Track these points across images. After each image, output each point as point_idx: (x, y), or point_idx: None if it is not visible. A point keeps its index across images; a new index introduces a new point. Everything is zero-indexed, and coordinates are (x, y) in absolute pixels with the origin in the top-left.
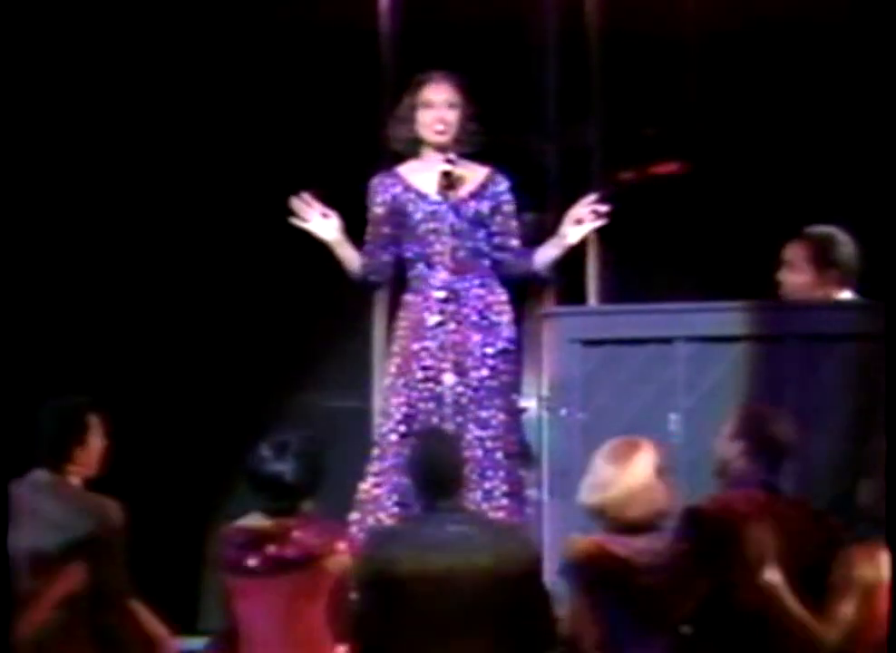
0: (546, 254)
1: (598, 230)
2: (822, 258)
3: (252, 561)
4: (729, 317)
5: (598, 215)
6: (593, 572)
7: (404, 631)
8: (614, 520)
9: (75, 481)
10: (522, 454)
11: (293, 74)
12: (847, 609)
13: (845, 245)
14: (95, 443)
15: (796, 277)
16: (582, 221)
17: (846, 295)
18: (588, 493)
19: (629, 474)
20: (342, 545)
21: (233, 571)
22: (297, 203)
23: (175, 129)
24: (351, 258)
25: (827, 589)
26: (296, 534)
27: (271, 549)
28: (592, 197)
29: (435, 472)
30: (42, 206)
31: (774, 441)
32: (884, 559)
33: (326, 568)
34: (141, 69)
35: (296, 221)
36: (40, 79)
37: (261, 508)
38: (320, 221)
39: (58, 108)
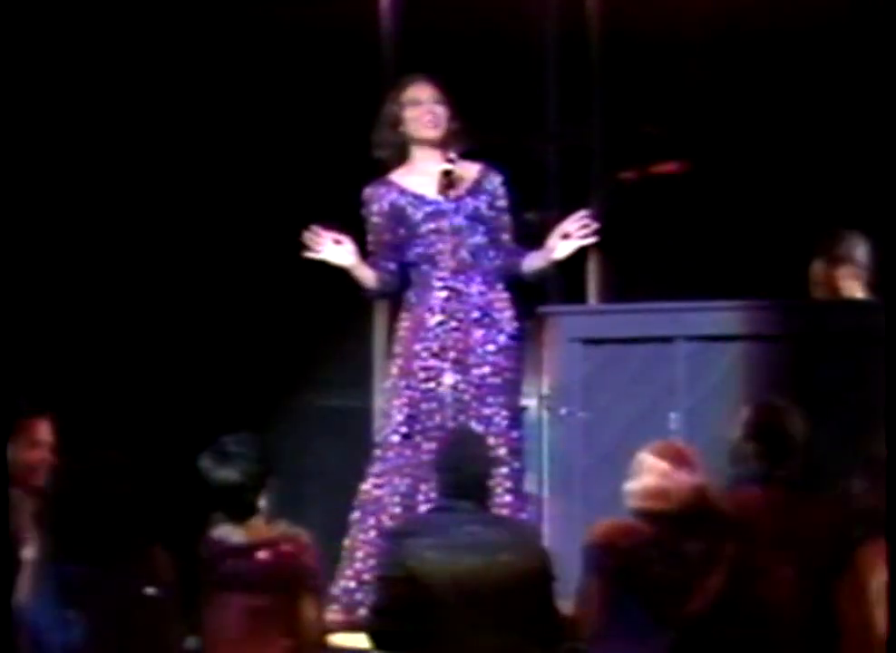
0: (533, 263)
1: (599, 230)
2: (865, 276)
3: (226, 575)
4: (729, 317)
5: (588, 232)
6: (611, 555)
7: (424, 627)
8: (659, 522)
9: (35, 485)
10: (525, 451)
11: (293, 79)
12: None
13: (867, 250)
14: (38, 447)
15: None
16: (570, 237)
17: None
18: (632, 497)
19: (684, 480)
20: (302, 565)
21: (210, 582)
22: (308, 237)
23: (176, 130)
24: (368, 276)
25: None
26: (266, 551)
27: (243, 564)
28: (582, 213)
29: (464, 473)
30: (42, 216)
31: (787, 437)
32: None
33: (289, 583)
34: (139, 74)
35: (309, 254)
36: (39, 95)
37: (223, 515)
38: (334, 249)
39: (53, 116)
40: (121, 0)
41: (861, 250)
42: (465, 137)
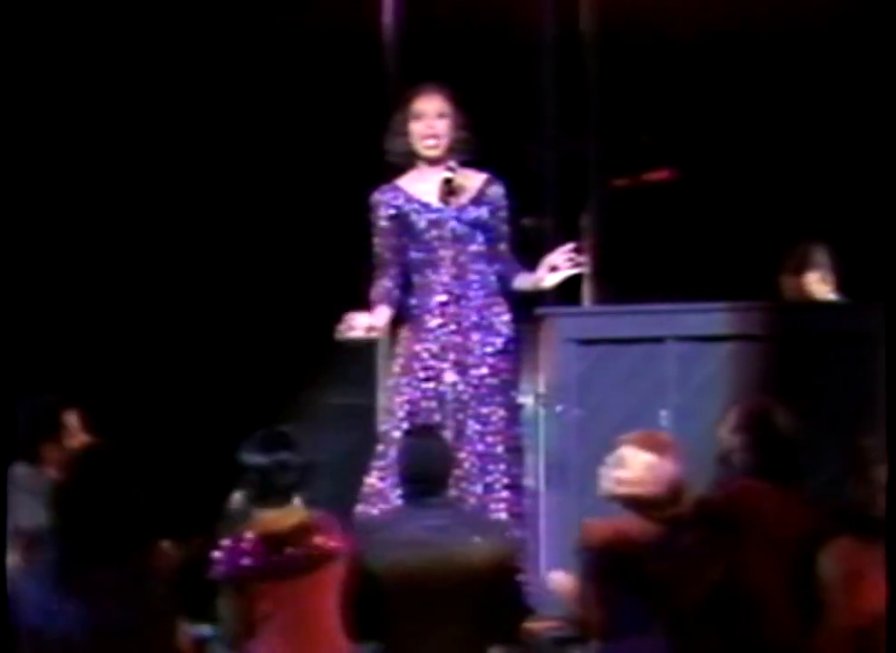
0: (523, 284)
1: (597, 233)
2: (827, 276)
3: (270, 564)
4: (718, 318)
5: (575, 264)
6: (608, 557)
7: (387, 618)
8: (647, 509)
9: (53, 474)
10: (522, 448)
11: (296, 81)
12: (841, 604)
13: (830, 255)
14: (71, 441)
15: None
16: (558, 269)
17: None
18: (622, 485)
19: (669, 466)
20: (342, 542)
21: (252, 577)
22: (342, 328)
23: (181, 130)
24: (388, 316)
25: (818, 582)
26: (312, 535)
27: (288, 551)
28: (569, 246)
29: (424, 469)
30: (44, 210)
31: (774, 435)
32: (860, 553)
33: (337, 565)
34: (143, 76)
35: (342, 337)
36: (41, 86)
37: (260, 503)
38: (365, 333)
39: (58, 112)
40: (126, 2)
41: (824, 258)
42: (470, 146)
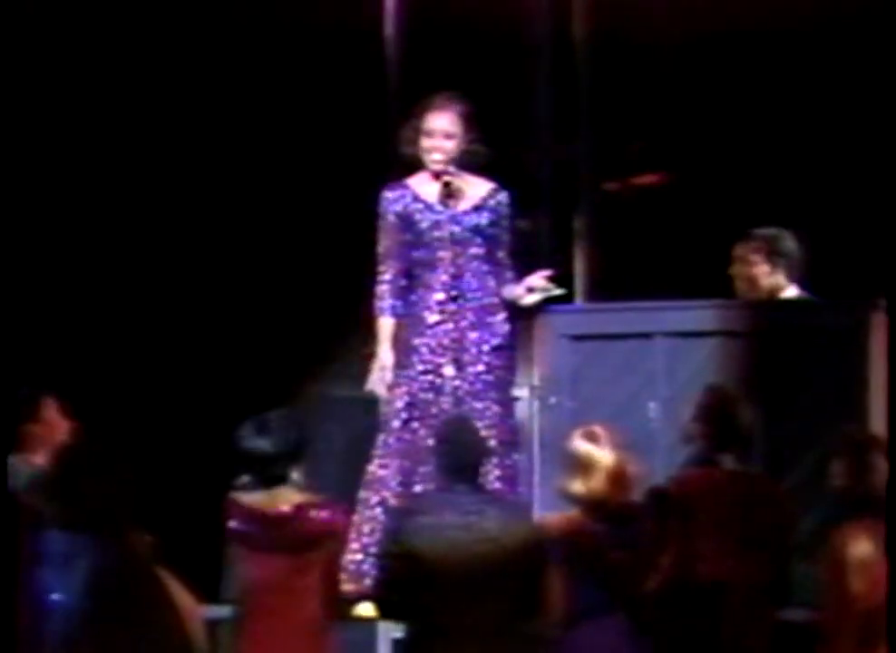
0: (507, 295)
1: (589, 234)
2: (770, 251)
3: (262, 537)
4: (704, 315)
5: (549, 287)
6: (567, 548)
7: (423, 599)
8: (592, 503)
9: (38, 460)
10: (515, 441)
11: (299, 80)
12: (853, 587)
13: (789, 240)
14: (49, 431)
15: (747, 270)
16: (535, 290)
17: (792, 291)
18: (575, 481)
19: (614, 459)
20: (332, 525)
21: (242, 543)
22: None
23: (181, 130)
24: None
25: (823, 572)
26: (306, 515)
27: (284, 529)
28: (546, 272)
29: (460, 457)
30: (28, 204)
31: (731, 422)
32: (871, 537)
33: (325, 547)
34: (147, 79)
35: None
36: (42, 86)
37: (255, 481)
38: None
39: (57, 111)
40: (128, 3)
41: (787, 237)
42: (478, 159)
